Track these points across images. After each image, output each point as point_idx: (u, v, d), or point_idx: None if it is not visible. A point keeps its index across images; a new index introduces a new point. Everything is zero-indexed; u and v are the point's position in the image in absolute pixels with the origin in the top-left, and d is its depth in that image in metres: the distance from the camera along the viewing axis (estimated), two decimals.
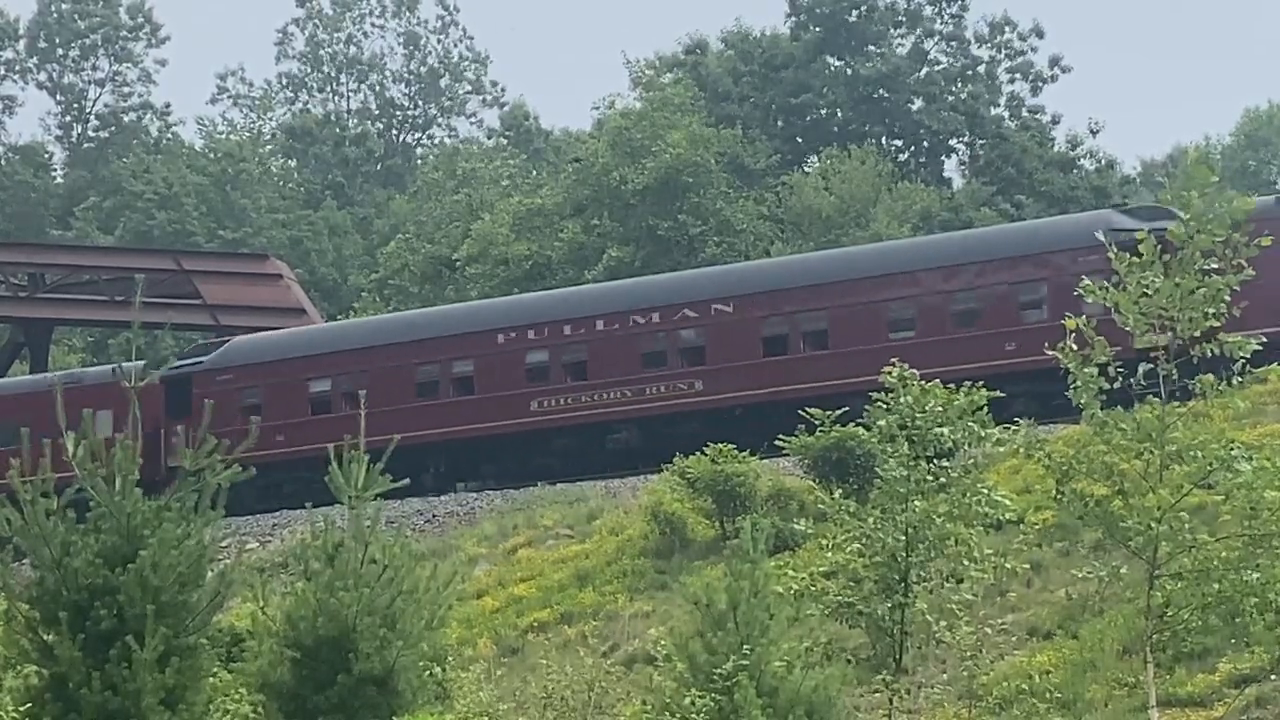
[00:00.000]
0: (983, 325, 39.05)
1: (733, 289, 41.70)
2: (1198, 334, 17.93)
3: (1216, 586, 17.72)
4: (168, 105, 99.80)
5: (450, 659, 22.45)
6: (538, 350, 42.13)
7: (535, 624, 29.95)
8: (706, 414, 39.63)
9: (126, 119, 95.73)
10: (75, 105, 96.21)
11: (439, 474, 41.40)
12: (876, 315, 39.30)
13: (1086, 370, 18.07)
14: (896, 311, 39.80)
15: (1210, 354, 17.97)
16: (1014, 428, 19.77)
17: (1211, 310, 17.89)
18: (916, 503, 21.46)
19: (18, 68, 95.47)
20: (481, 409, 41.76)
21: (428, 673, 15.00)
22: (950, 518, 21.58)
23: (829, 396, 36.16)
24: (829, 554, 23.12)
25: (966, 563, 21.54)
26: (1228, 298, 17.95)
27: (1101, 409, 18.15)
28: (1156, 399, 17.97)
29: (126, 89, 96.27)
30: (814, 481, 31.03)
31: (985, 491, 21.73)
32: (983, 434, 21.60)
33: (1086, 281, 18.45)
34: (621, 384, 40.95)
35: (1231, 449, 17.84)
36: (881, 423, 22.27)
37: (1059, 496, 18.67)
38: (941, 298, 39.68)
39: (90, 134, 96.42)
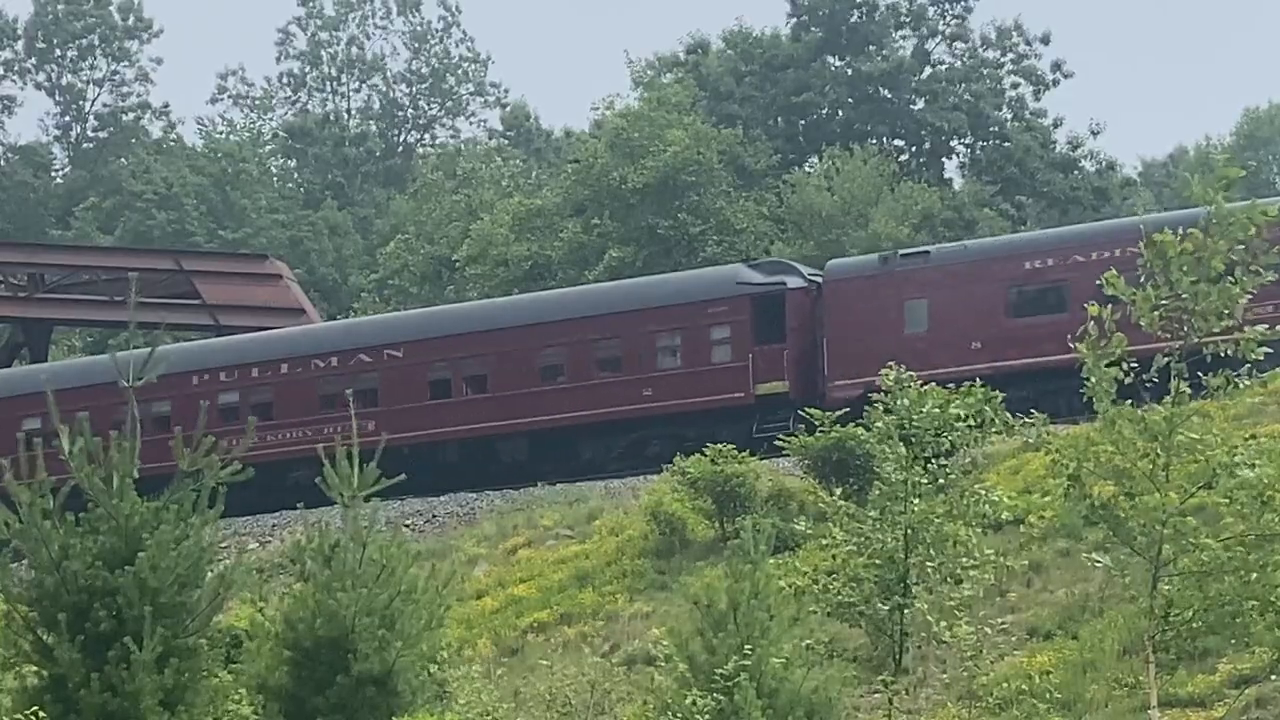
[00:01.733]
0: (624, 372, 41.96)
1: (402, 335, 44.65)
2: (1216, 330, 17.95)
3: (1217, 588, 17.72)
4: (166, 105, 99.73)
5: (444, 655, 22.41)
6: (228, 391, 44.33)
7: (535, 624, 29.93)
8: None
9: (125, 119, 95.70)
10: (74, 106, 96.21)
11: None
12: (530, 361, 41.62)
13: (1103, 368, 18.07)
14: (549, 358, 42.63)
15: (1225, 354, 18.00)
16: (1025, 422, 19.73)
17: (1227, 310, 17.92)
18: (915, 504, 21.44)
19: (16, 68, 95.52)
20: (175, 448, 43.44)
21: (426, 672, 15.00)
22: (949, 518, 21.57)
23: (489, 438, 41.76)
24: (828, 553, 23.11)
25: (965, 563, 21.52)
26: (1244, 300, 17.96)
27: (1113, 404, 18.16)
28: (1162, 400, 18.01)
29: (125, 89, 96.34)
30: (814, 482, 31.04)
31: (982, 493, 21.71)
32: (979, 436, 21.63)
33: (1111, 271, 18.38)
34: (302, 424, 42.63)
35: (1235, 453, 17.82)
36: (879, 424, 22.27)
37: (1069, 493, 18.66)
38: (587, 345, 42.48)
39: (89, 134, 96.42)
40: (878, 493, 21.77)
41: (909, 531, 21.20)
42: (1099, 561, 19.82)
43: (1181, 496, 17.97)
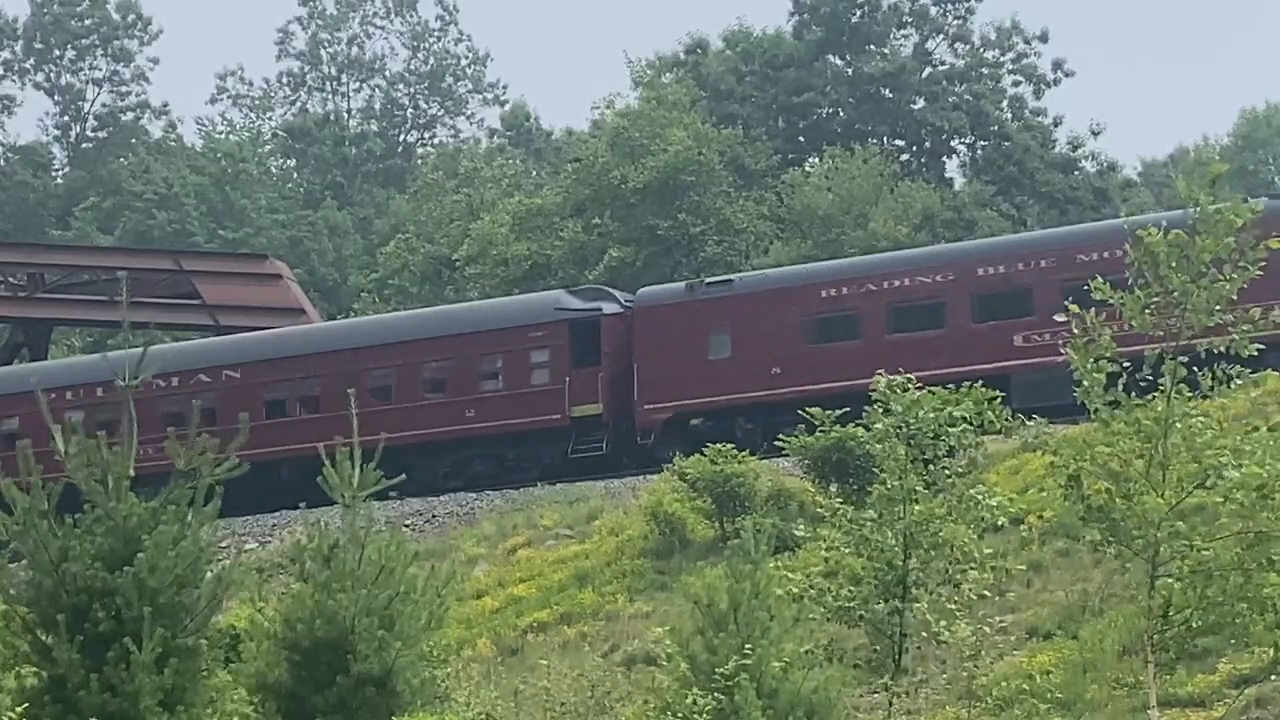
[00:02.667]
0: (449, 394, 43.33)
1: (240, 357, 45.86)
2: (1211, 324, 17.98)
3: (1213, 589, 17.73)
4: (165, 105, 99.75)
5: (437, 654, 22.38)
6: (74, 410, 43.72)
7: (535, 624, 29.93)
8: None
9: (124, 118, 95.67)
10: (73, 106, 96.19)
11: None
12: (361, 382, 41.68)
13: (1093, 370, 18.07)
14: (378, 379, 43.62)
15: (1217, 351, 18.02)
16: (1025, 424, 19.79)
17: (1218, 307, 17.94)
18: (916, 505, 21.40)
19: (16, 68, 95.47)
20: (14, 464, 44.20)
21: (427, 672, 14.99)
22: (947, 519, 21.54)
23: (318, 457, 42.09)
24: (828, 553, 23.08)
25: (964, 565, 21.49)
26: (1234, 296, 17.98)
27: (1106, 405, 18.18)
28: (1153, 397, 18.03)
29: (124, 88, 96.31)
30: (813, 482, 31.02)
31: (979, 497, 21.69)
32: (975, 439, 21.63)
33: (1099, 280, 18.43)
34: (144, 443, 43.24)
35: (1224, 453, 17.82)
36: (878, 425, 22.23)
37: (1067, 495, 18.68)
38: (415, 368, 43.79)
39: (89, 134, 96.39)
40: (876, 495, 21.74)
41: (908, 535, 21.18)
42: (1099, 553, 19.79)
43: (1178, 495, 17.97)
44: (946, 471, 21.62)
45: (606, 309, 43.27)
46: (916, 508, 21.10)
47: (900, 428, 21.69)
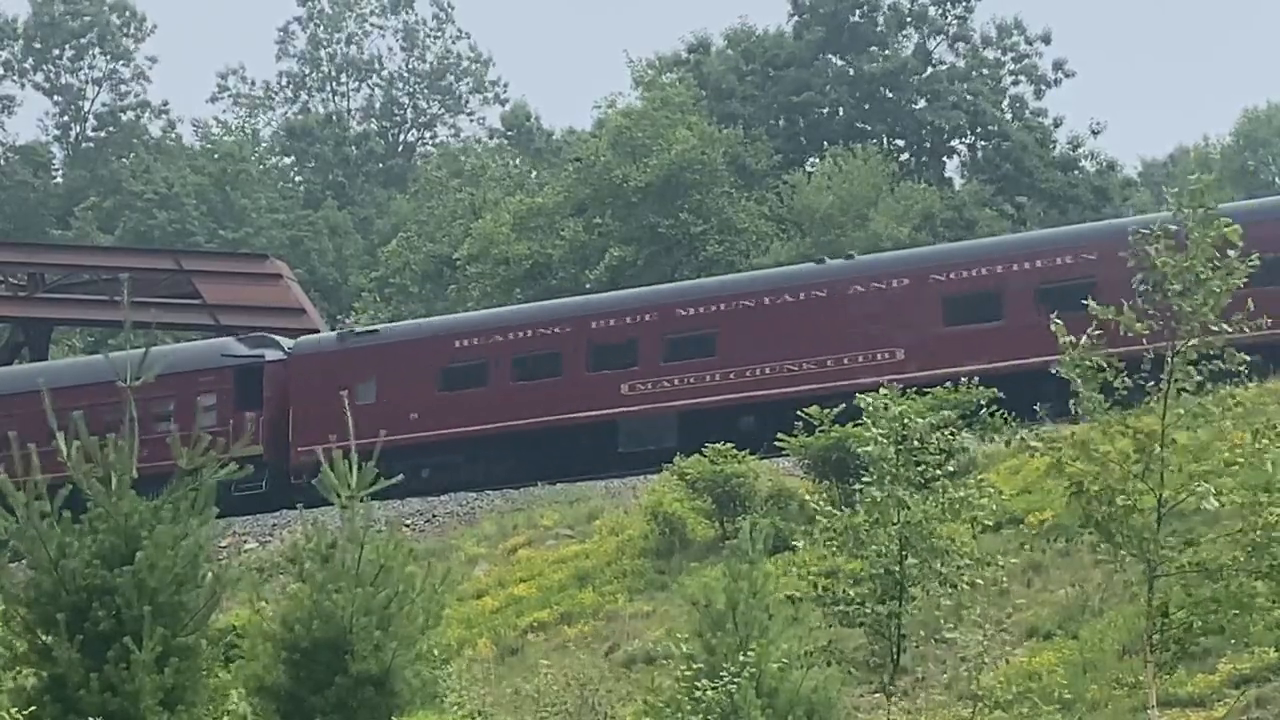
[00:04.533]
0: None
1: None
2: (1214, 326, 18.04)
3: (1207, 590, 17.77)
4: (164, 103, 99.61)
5: (440, 654, 22.37)
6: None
7: (535, 624, 29.94)
8: None
9: (124, 117, 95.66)
10: (73, 105, 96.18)
11: None
12: (43, 424, 42.73)
13: (1089, 386, 18.13)
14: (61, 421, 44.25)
15: (1211, 355, 18.05)
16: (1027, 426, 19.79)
17: (1214, 314, 17.99)
18: (918, 507, 21.37)
19: (16, 68, 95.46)
20: None
21: (426, 671, 14.98)
22: (944, 518, 21.52)
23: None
24: (826, 553, 23.06)
25: (959, 564, 21.48)
26: (1227, 300, 18.03)
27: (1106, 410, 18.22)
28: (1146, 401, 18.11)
29: (123, 88, 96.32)
30: (812, 482, 31.01)
31: (971, 499, 21.68)
32: (966, 443, 21.64)
33: (1090, 302, 18.52)
34: None
35: (1202, 477, 17.88)
36: (875, 429, 22.21)
37: (1069, 502, 18.73)
38: (97, 410, 43.89)
39: (89, 134, 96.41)
40: (869, 500, 21.74)
41: (903, 538, 21.16)
42: (1101, 558, 19.84)
43: (1174, 496, 18.01)
44: (938, 472, 21.60)
45: (268, 355, 45.73)
46: (909, 511, 21.08)
47: (890, 433, 21.68)
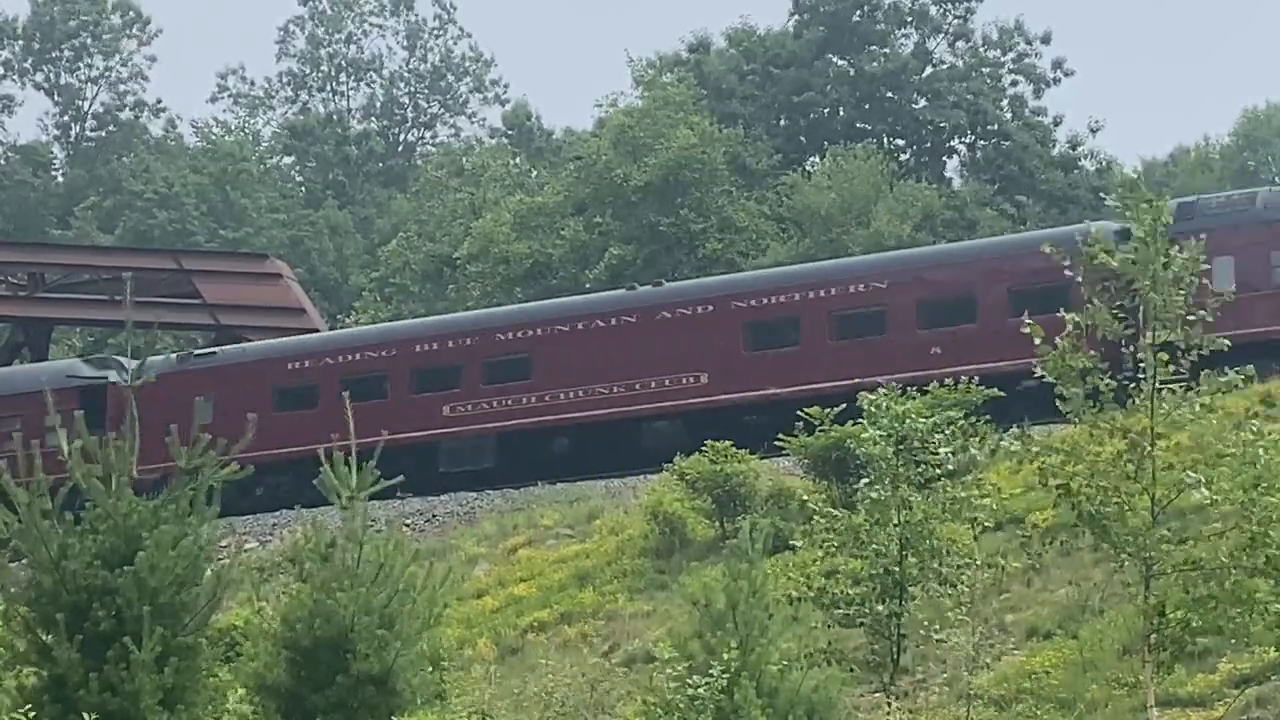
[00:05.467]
0: None
1: None
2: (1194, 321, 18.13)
3: (1204, 589, 17.79)
4: (158, 101, 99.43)
5: (442, 654, 22.40)
6: None
7: (535, 624, 29.95)
8: None
9: (124, 117, 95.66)
10: (73, 105, 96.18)
11: None
12: None
13: (1073, 389, 18.21)
14: None
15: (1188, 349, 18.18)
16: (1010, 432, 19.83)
17: (1182, 305, 18.12)
18: (918, 507, 21.38)
19: (15, 68, 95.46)
20: None
21: (427, 671, 14.99)
22: (943, 518, 21.53)
23: None
24: (821, 555, 23.09)
25: (957, 563, 21.50)
26: (1194, 292, 18.21)
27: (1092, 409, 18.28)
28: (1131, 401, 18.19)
29: (122, 87, 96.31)
30: (812, 482, 30.99)
31: (971, 499, 21.70)
32: (967, 445, 21.68)
33: (1070, 314, 18.66)
34: None
35: (1193, 468, 17.92)
36: (875, 431, 22.23)
37: (1058, 503, 18.80)
38: None
39: (89, 134, 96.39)
40: (869, 501, 21.74)
41: (903, 538, 21.18)
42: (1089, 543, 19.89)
43: (1167, 497, 18.04)
44: (938, 472, 21.62)
45: (112, 377, 45.84)
46: (910, 511, 21.09)
47: (889, 434, 21.70)
